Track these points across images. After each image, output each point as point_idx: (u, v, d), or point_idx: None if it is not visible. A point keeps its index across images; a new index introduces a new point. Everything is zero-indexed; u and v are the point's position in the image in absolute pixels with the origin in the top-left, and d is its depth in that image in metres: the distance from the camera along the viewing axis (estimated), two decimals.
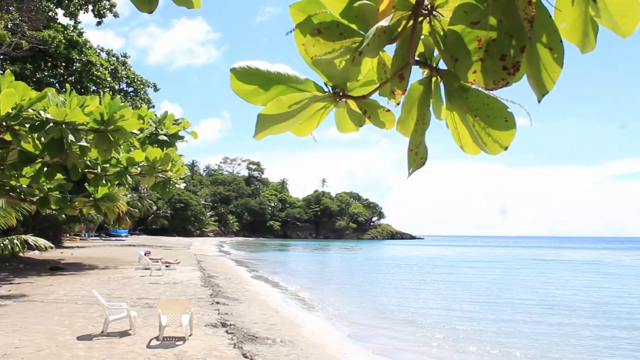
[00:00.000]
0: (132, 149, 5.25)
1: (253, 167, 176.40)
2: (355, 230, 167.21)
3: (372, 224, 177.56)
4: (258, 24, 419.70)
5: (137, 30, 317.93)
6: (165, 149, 5.30)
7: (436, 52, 1.52)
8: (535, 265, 56.46)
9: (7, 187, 5.80)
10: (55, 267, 27.76)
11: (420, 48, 1.53)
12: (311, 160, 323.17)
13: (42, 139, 4.27)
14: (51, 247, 20.41)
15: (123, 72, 33.80)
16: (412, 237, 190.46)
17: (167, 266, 29.72)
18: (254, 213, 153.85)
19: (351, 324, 17.75)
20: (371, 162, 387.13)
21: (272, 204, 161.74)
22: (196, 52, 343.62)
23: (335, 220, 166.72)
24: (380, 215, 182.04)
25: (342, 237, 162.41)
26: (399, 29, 1.41)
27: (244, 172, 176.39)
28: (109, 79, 31.64)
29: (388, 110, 1.67)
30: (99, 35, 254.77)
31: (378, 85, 1.58)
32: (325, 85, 1.62)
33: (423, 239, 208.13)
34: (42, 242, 19.01)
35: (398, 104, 1.63)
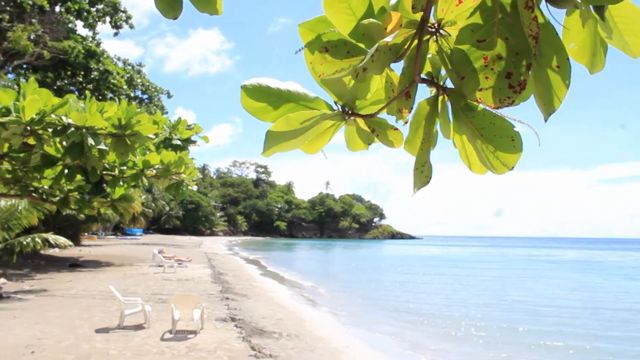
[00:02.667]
0: (148, 153, 5.29)
1: (261, 170, 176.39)
2: (357, 230, 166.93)
3: (373, 224, 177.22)
4: (270, 34, 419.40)
5: (156, 40, 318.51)
6: (178, 152, 5.34)
7: (443, 71, 1.46)
8: (531, 264, 56.27)
9: (31, 188, 5.85)
10: (74, 264, 27.87)
11: (428, 67, 1.48)
12: (316, 164, 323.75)
13: (64, 142, 4.30)
14: (70, 245, 20.46)
15: (138, 80, 33.94)
16: (411, 237, 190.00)
17: (179, 264, 29.76)
18: (261, 214, 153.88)
19: (354, 319, 17.72)
20: (373, 166, 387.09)
21: (279, 205, 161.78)
22: (211, 61, 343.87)
23: (338, 220, 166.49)
24: (382, 216, 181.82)
25: (345, 236, 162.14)
26: (405, 47, 1.35)
27: (252, 175, 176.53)
28: (125, 86, 31.77)
29: (396, 129, 1.61)
30: (119, 45, 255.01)
31: (385, 103, 1.52)
32: (335, 103, 1.57)
33: (422, 239, 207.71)
34: (62, 240, 19.04)
35: (406, 123, 1.57)
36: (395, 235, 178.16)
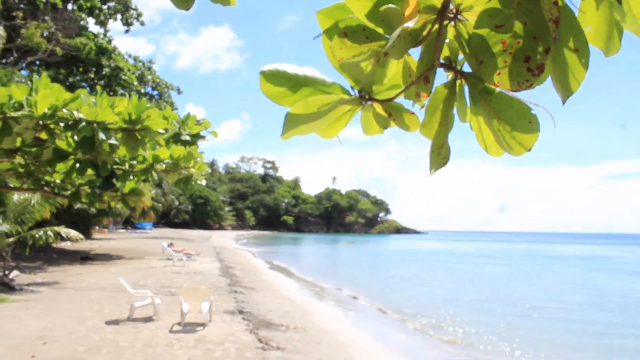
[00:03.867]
0: (157, 147, 5.27)
1: (268, 165, 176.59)
2: (363, 225, 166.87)
3: (379, 219, 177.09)
4: (280, 32, 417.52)
5: (167, 37, 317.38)
6: (187, 147, 5.31)
7: (461, 56, 1.47)
8: (535, 260, 56.05)
9: (43, 182, 5.85)
10: (85, 257, 28.03)
11: (446, 52, 1.48)
12: (322, 160, 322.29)
13: (75, 137, 4.29)
14: (82, 239, 20.53)
15: (149, 77, 33.97)
16: (416, 232, 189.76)
17: (188, 257, 29.85)
18: (269, 208, 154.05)
19: (360, 313, 17.73)
20: (379, 161, 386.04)
21: (286, 200, 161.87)
22: (221, 57, 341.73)
23: (344, 215, 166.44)
24: (387, 211, 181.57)
25: (351, 231, 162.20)
26: (424, 33, 1.36)
27: (260, 171, 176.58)
28: (135, 83, 31.81)
29: (412, 114, 1.62)
30: (131, 42, 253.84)
31: (404, 88, 1.53)
32: (352, 88, 1.58)
33: (427, 233, 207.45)
34: (73, 233, 19.10)
35: (422, 107, 1.57)
36: (400, 230, 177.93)
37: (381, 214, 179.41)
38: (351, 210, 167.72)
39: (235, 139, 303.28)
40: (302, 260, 43.79)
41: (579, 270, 41.55)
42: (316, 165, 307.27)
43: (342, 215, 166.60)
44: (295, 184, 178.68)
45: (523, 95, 1.36)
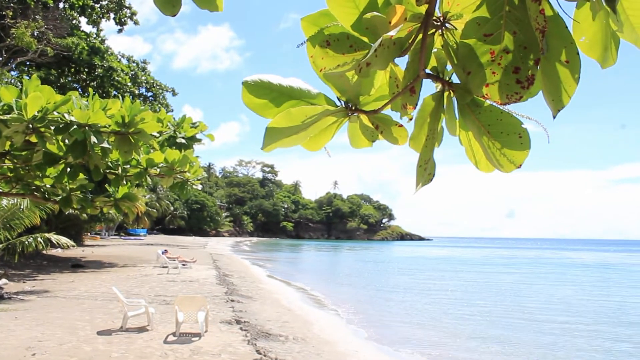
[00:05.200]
0: (152, 151, 5.29)
1: (267, 169, 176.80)
2: (366, 231, 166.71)
3: (382, 225, 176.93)
4: (281, 31, 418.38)
5: (164, 36, 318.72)
6: (183, 151, 5.34)
7: (449, 66, 1.44)
8: (547, 268, 55.90)
9: (32, 187, 5.88)
10: (76, 265, 28.02)
11: (433, 62, 1.46)
12: (323, 163, 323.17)
13: (66, 140, 4.32)
14: (73, 246, 20.56)
15: (143, 78, 34.04)
16: (421, 239, 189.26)
17: (183, 265, 29.83)
18: (267, 214, 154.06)
19: (362, 322, 17.70)
20: (382, 165, 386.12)
21: (286, 206, 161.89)
22: (220, 57, 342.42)
23: (346, 221, 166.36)
24: (390, 216, 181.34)
25: (353, 237, 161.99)
26: (410, 41, 1.33)
27: (259, 175, 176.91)
28: (129, 84, 31.89)
29: (401, 126, 1.59)
30: (127, 41, 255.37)
31: (390, 99, 1.50)
32: (338, 99, 1.55)
33: (432, 240, 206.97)
34: (64, 240, 19.13)
35: (411, 119, 1.55)
36: (404, 237, 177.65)
37: (384, 220, 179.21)
38: (353, 215, 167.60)
39: (234, 142, 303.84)
40: (301, 268, 43.67)
41: (592, 279, 41.32)
42: (317, 169, 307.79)
43: (343, 221, 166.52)
44: (295, 188, 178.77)
45: (515, 109, 1.35)
